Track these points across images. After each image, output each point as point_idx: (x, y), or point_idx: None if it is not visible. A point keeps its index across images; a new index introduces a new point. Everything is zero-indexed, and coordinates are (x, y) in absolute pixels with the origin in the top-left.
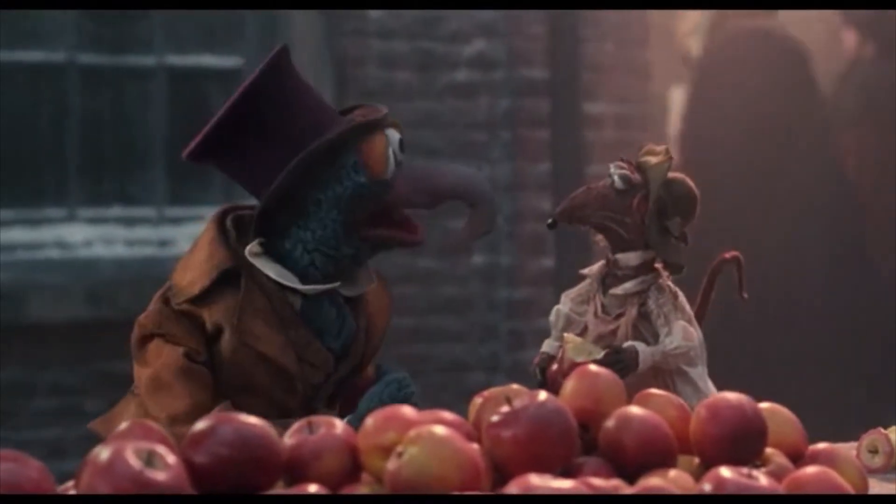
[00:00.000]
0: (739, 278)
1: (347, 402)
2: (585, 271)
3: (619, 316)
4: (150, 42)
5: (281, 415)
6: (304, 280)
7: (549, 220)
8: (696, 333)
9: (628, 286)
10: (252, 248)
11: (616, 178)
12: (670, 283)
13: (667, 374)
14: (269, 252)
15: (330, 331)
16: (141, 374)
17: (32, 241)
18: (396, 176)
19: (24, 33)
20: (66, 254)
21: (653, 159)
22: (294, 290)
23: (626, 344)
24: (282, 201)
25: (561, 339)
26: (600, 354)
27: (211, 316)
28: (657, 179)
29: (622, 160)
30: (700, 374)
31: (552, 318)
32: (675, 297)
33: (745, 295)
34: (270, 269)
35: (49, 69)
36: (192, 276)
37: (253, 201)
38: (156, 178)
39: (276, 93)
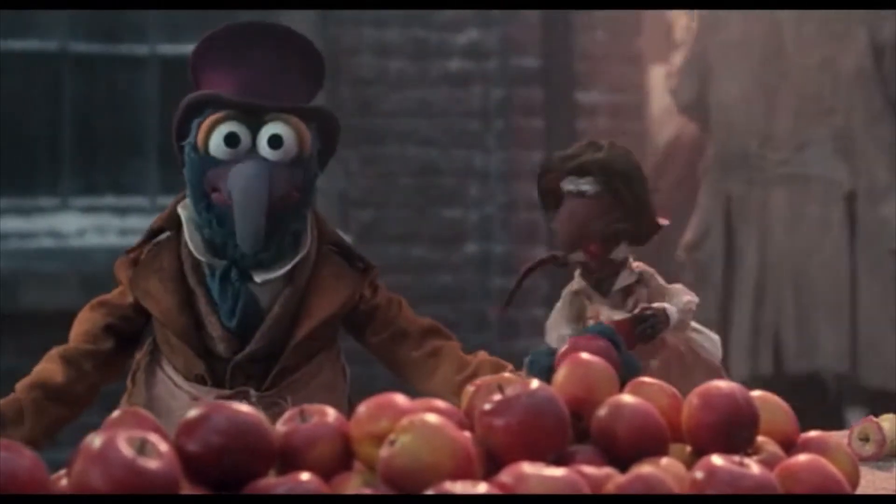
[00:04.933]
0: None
1: (298, 389)
2: (573, 289)
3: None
4: (143, 31)
5: (197, 380)
6: (220, 253)
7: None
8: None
9: (625, 276)
10: (186, 210)
11: (588, 187)
12: (641, 264)
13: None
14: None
15: (223, 308)
16: None
17: (25, 231)
18: (234, 161)
19: (16, 22)
20: (60, 243)
21: (599, 154)
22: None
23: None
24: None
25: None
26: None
27: (126, 272)
28: (621, 164)
29: (558, 172)
30: (702, 330)
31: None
32: (653, 275)
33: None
34: (190, 234)
35: (42, 58)
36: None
37: None
38: (149, 167)
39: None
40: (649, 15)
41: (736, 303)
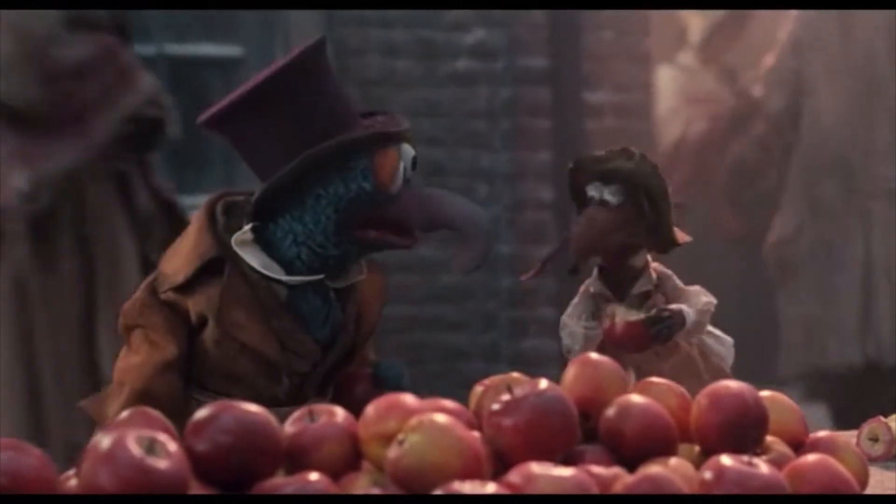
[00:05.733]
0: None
1: (339, 391)
2: (591, 290)
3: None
4: (149, 31)
5: (267, 404)
6: (288, 271)
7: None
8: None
9: (643, 282)
10: (241, 235)
11: (611, 197)
12: (658, 266)
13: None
14: (259, 239)
15: (315, 321)
16: (119, 361)
17: None
18: (402, 191)
19: None
20: None
21: (628, 164)
22: (279, 280)
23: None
24: (284, 189)
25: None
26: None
27: (195, 306)
28: (648, 178)
29: (586, 174)
30: (715, 333)
31: (574, 343)
32: (670, 276)
33: None
34: (255, 259)
35: None
36: (177, 265)
37: (249, 187)
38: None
39: (302, 82)
40: (657, 14)
41: (839, 295)
